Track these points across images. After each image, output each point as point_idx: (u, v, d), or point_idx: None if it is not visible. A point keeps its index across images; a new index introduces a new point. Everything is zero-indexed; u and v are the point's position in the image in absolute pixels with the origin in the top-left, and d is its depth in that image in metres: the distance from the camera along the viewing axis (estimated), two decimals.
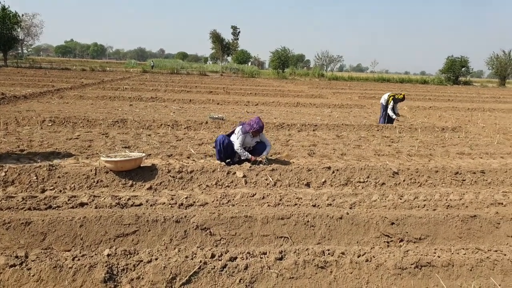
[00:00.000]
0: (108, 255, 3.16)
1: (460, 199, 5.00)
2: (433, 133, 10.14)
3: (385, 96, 10.92)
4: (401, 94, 10.72)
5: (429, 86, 42.92)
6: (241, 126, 5.79)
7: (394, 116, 10.70)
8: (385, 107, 10.90)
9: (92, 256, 3.16)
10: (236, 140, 5.77)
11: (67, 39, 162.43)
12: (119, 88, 18.82)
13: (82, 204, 4.13)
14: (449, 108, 17.01)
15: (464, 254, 3.56)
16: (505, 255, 3.52)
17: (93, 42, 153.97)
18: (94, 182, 4.87)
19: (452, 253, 3.56)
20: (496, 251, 3.63)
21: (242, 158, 5.86)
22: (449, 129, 10.64)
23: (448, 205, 4.74)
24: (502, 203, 4.85)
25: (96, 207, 4.07)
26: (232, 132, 5.95)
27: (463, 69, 54.76)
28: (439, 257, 3.44)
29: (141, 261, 3.07)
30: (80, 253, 3.21)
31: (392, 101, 10.69)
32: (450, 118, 13.13)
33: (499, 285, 3.24)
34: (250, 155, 5.82)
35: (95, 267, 2.96)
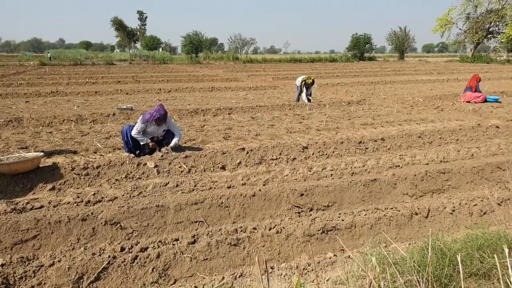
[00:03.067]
0: (2, 265, 2.91)
1: (363, 165, 5.41)
2: (340, 107, 10.87)
3: (299, 79, 11.51)
4: (310, 78, 11.32)
5: (338, 64, 45.60)
6: (142, 116, 5.60)
7: (306, 101, 11.28)
8: (300, 88, 11.48)
9: None
10: (135, 127, 5.54)
11: None
12: (12, 84, 16.92)
13: None
14: (355, 83, 18.33)
15: (365, 215, 3.90)
16: (399, 211, 3.92)
17: None
18: None
19: (355, 216, 3.88)
20: (392, 208, 4.03)
21: (141, 143, 5.65)
22: (354, 103, 11.49)
23: (353, 172, 5.11)
24: (399, 166, 5.36)
25: None
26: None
27: (367, 45, 58.94)
28: (343, 220, 3.74)
29: (42, 265, 2.89)
30: None
31: (304, 87, 11.26)
32: (356, 93, 14.17)
33: (395, 238, 3.65)
34: (148, 140, 5.63)
35: None
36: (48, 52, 50.58)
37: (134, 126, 5.64)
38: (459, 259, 1.88)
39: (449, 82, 19.29)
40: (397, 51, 64.83)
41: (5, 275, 2.75)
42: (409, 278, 2.08)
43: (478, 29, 45.31)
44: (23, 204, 3.96)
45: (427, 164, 5.38)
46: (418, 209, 3.85)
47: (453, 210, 3.86)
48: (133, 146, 5.61)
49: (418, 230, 3.69)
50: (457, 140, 6.79)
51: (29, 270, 2.83)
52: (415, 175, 4.65)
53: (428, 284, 1.99)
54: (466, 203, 3.98)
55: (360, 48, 57.99)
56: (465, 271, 2.22)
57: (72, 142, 6.59)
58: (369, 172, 5.19)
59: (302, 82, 11.32)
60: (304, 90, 11.28)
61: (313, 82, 11.30)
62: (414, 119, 8.86)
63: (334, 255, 3.27)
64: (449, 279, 2.12)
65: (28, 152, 5.38)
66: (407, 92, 14.59)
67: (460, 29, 48.32)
